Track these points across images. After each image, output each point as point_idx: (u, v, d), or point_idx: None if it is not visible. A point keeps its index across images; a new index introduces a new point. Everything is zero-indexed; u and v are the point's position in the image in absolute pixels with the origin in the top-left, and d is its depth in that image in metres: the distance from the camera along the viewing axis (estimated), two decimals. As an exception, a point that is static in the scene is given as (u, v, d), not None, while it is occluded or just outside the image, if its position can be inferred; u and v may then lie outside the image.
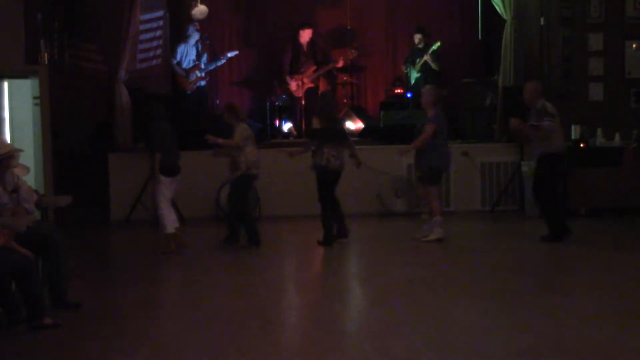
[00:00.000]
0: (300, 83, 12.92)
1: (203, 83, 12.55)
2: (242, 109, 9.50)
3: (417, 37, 12.87)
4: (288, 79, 12.94)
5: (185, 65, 12.44)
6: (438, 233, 9.01)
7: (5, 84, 11.56)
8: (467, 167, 11.65)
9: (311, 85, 13.05)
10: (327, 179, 8.89)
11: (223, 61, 12.66)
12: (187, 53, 12.46)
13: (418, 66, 12.78)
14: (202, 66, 12.42)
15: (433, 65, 12.67)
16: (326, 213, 8.97)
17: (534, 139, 8.82)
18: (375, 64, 13.98)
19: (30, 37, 11.10)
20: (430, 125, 8.91)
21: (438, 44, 12.69)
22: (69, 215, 9.95)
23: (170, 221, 8.79)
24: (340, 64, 13.00)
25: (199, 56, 12.48)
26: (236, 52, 12.82)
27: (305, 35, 13.03)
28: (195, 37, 12.44)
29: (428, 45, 12.74)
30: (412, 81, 12.93)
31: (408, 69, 12.99)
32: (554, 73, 12.10)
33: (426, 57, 12.62)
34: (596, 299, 6.27)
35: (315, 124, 9.10)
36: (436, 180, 9.17)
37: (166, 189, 8.77)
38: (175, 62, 12.44)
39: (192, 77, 12.38)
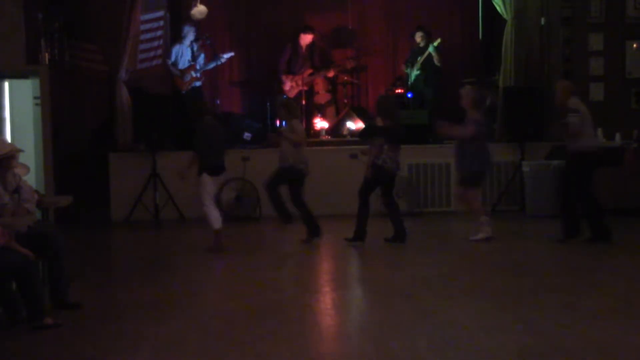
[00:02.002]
0: (294, 84, 12.93)
1: (198, 84, 12.52)
2: (296, 105, 9.67)
3: (419, 36, 12.87)
4: (283, 78, 12.94)
5: (180, 65, 12.40)
6: (486, 232, 9.07)
7: (6, 84, 11.58)
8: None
9: (305, 88, 13.06)
10: (378, 179, 8.91)
11: (219, 62, 12.62)
12: (182, 54, 12.41)
13: (419, 64, 12.77)
14: (198, 67, 12.39)
15: (436, 60, 12.65)
16: (363, 211, 8.96)
17: (566, 137, 8.74)
18: (376, 64, 13.97)
19: (30, 37, 11.11)
20: (470, 127, 8.92)
21: (439, 40, 12.70)
22: (69, 215, 9.97)
23: (216, 217, 8.79)
24: (331, 74, 13.02)
25: (194, 57, 12.45)
26: (232, 54, 12.78)
27: (306, 39, 13.03)
28: (190, 37, 12.40)
29: (429, 43, 12.74)
30: (412, 79, 12.92)
31: (409, 70, 13.00)
32: (554, 73, 12.10)
33: (430, 50, 12.60)
34: (596, 299, 6.27)
35: (379, 122, 9.14)
36: (476, 183, 9.19)
37: (209, 186, 8.77)
38: (170, 62, 12.42)
39: (187, 78, 12.35)
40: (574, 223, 8.76)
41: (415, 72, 12.87)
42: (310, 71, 13.02)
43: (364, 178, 8.97)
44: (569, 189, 8.74)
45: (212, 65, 12.55)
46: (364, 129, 9.40)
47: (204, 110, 9.12)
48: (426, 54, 12.69)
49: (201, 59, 12.47)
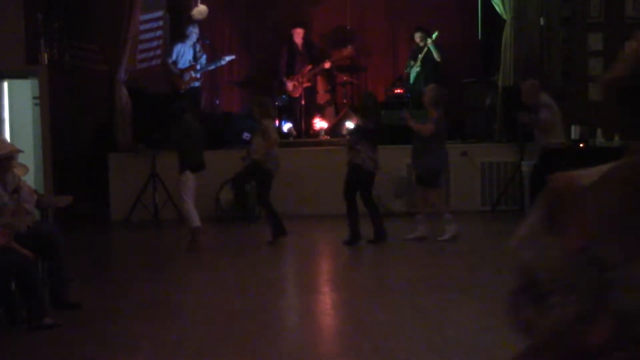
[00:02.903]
0: (296, 83, 12.93)
1: (197, 84, 12.52)
2: (272, 105, 9.64)
3: (418, 37, 12.87)
4: (285, 79, 12.94)
5: (181, 65, 12.41)
6: (452, 231, 9.08)
7: (5, 84, 11.58)
8: (467, 167, 11.65)
9: (308, 84, 13.06)
10: (358, 178, 8.93)
11: (220, 64, 12.63)
12: (184, 53, 12.43)
13: (419, 60, 12.78)
14: (199, 67, 12.39)
15: (435, 55, 12.64)
16: (352, 212, 8.99)
17: (537, 132, 8.80)
18: (375, 64, 13.98)
19: (30, 37, 11.11)
20: (430, 125, 8.93)
21: (436, 33, 12.70)
22: (68, 215, 9.97)
23: (195, 215, 8.79)
24: (327, 65, 13.00)
25: (196, 57, 12.45)
26: (233, 57, 12.78)
27: (298, 35, 13.03)
28: (193, 38, 12.42)
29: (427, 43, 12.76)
30: (413, 76, 12.91)
31: (409, 69, 13.01)
32: (554, 73, 12.11)
33: (429, 44, 12.61)
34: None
35: (358, 122, 9.14)
36: (435, 182, 9.20)
37: (191, 184, 8.78)
38: (171, 61, 12.42)
39: (187, 77, 12.36)
40: None
41: (415, 69, 12.87)
42: (309, 67, 13.02)
43: (345, 182, 8.99)
44: (539, 186, 8.80)
45: (212, 66, 12.57)
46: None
47: (184, 108, 9.11)
48: (425, 50, 12.69)
49: (203, 59, 12.48)
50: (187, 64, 12.39)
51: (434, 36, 12.66)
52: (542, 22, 12.27)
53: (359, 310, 6.40)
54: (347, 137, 9.35)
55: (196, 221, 8.78)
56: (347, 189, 9.01)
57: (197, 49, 12.47)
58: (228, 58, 12.66)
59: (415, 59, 12.90)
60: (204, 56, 12.51)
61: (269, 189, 9.14)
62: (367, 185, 9.09)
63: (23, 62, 11.10)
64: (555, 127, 8.69)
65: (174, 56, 12.43)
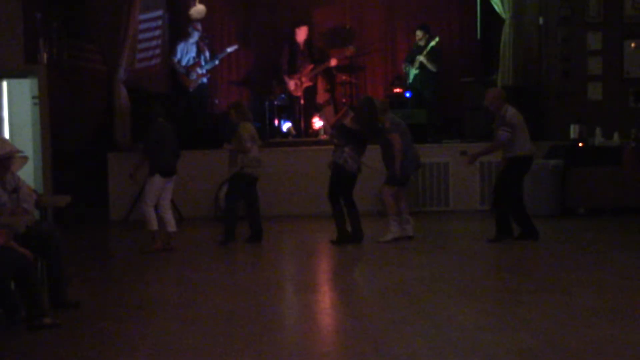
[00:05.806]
0: (298, 82, 12.93)
1: (205, 80, 12.59)
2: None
3: (419, 35, 12.86)
4: (286, 78, 12.94)
5: (184, 63, 12.47)
6: (394, 233, 9.08)
7: (5, 84, 11.57)
8: (466, 166, 11.64)
9: (309, 84, 13.06)
10: (340, 179, 8.92)
11: (223, 55, 12.71)
12: (187, 51, 12.49)
13: (416, 63, 12.78)
14: (203, 62, 12.45)
15: (429, 66, 12.68)
16: (337, 212, 8.99)
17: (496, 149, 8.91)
18: (375, 64, 13.98)
19: (29, 36, 11.10)
20: (394, 135, 8.90)
21: (436, 39, 12.69)
22: (68, 214, 9.97)
23: (154, 219, 8.82)
24: (333, 62, 13.01)
25: (199, 54, 12.51)
26: (235, 47, 12.81)
27: (301, 34, 13.04)
28: (195, 36, 12.48)
29: (429, 43, 12.74)
30: (411, 79, 12.93)
31: (407, 68, 13.00)
32: (553, 72, 12.13)
33: (422, 58, 12.63)
34: (596, 299, 6.27)
35: (349, 123, 9.14)
36: (401, 183, 9.15)
37: (158, 188, 8.80)
38: (176, 60, 12.46)
39: (194, 76, 12.41)
40: (507, 222, 8.89)
41: (414, 72, 12.87)
42: (311, 66, 13.03)
43: (329, 183, 9.01)
44: (503, 193, 8.88)
45: (217, 60, 12.63)
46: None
47: (157, 112, 9.10)
48: (424, 54, 12.67)
49: (206, 55, 12.55)
50: (191, 62, 12.45)
51: (428, 47, 12.62)
52: (541, 22, 12.29)
53: (359, 310, 6.40)
54: (332, 134, 9.35)
55: (154, 225, 8.82)
56: (331, 190, 9.02)
57: (200, 46, 12.52)
58: (230, 49, 12.71)
59: (413, 59, 12.87)
60: (206, 53, 12.56)
61: (238, 191, 9.17)
62: (348, 185, 9.07)
63: (22, 62, 11.09)
64: (518, 139, 8.68)
65: (178, 55, 12.47)
